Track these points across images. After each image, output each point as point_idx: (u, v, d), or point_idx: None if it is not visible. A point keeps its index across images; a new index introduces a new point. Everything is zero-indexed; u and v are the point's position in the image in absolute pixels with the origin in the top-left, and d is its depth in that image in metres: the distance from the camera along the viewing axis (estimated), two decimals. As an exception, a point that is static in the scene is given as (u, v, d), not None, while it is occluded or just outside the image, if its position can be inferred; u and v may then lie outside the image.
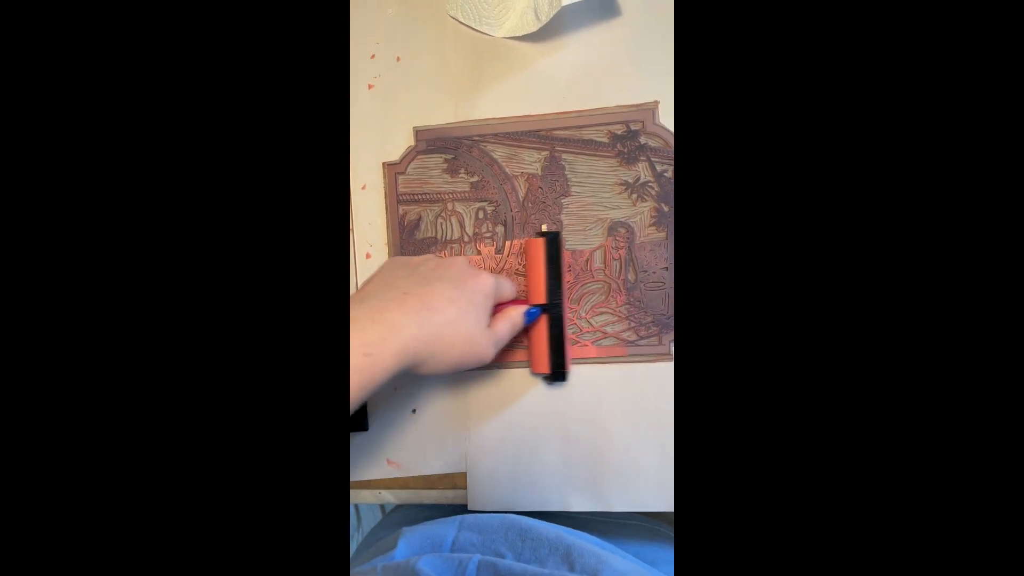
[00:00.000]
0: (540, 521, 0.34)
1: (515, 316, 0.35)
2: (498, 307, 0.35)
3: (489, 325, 0.33)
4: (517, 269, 0.39)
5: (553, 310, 0.37)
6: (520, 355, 0.39)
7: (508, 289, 0.36)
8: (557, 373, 0.37)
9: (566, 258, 0.39)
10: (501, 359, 0.38)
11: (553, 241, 0.37)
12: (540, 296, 0.37)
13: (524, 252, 0.39)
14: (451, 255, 0.40)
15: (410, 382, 0.40)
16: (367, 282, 0.34)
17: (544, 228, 0.39)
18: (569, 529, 0.35)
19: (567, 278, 0.39)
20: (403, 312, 0.30)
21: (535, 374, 0.39)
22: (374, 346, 0.28)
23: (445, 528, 0.34)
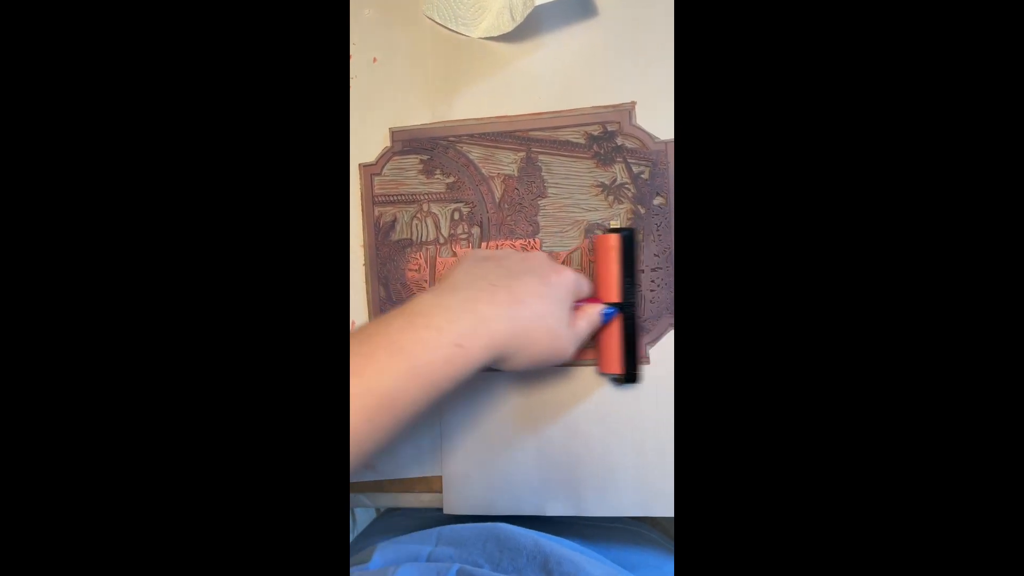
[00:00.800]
0: (519, 528, 0.34)
1: (593, 314, 0.35)
2: (575, 305, 0.35)
3: (569, 323, 0.33)
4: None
5: (627, 310, 0.36)
6: (587, 354, 0.38)
7: (587, 287, 0.36)
8: (631, 375, 0.37)
9: (640, 256, 0.37)
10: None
11: (628, 238, 0.36)
12: (613, 295, 0.36)
13: (594, 248, 0.37)
14: (426, 257, 0.39)
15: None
16: (448, 273, 0.33)
17: (615, 224, 0.37)
18: (548, 536, 0.34)
19: (639, 276, 0.37)
20: (493, 304, 0.30)
21: (604, 374, 0.38)
22: (466, 337, 0.28)
23: (421, 545, 0.34)
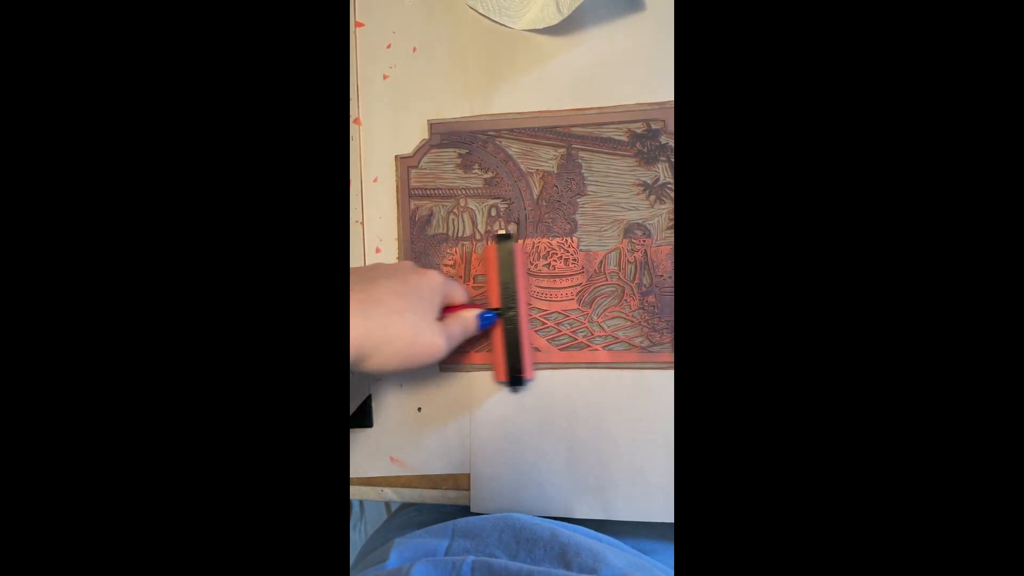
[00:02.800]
0: (535, 518, 0.33)
1: (467, 317, 0.35)
2: (453, 311, 0.35)
3: (436, 321, 0.33)
4: (529, 270, 0.38)
5: (506, 314, 0.36)
6: (475, 358, 0.39)
7: (459, 291, 0.36)
8: (514, 379, 0.37)
9: (519, 261, 0.37)
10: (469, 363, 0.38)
11: (503, 244, 0.36)
12: (492, 300, 0.37)
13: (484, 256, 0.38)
14: (462, 253, 0.39)
15: (415, 380, 0.39)
16: None
17: (502, 231, 0.38)
18: (564, 524, 0.34)
19: (523, 282, 0.37)
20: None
21: (499, 383, 0.38)
22: None
23: (437, 539, 0.33)
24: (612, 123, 0.37)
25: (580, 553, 0.30)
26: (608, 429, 0.37)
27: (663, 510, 0.37)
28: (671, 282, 0.37)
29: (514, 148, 0.38)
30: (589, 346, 0.38)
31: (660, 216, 0.37)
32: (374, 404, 0.40)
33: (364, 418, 0.40)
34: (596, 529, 0.36)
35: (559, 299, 0.38)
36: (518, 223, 0.38)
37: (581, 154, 0.38)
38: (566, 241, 0.38)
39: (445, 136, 0.39)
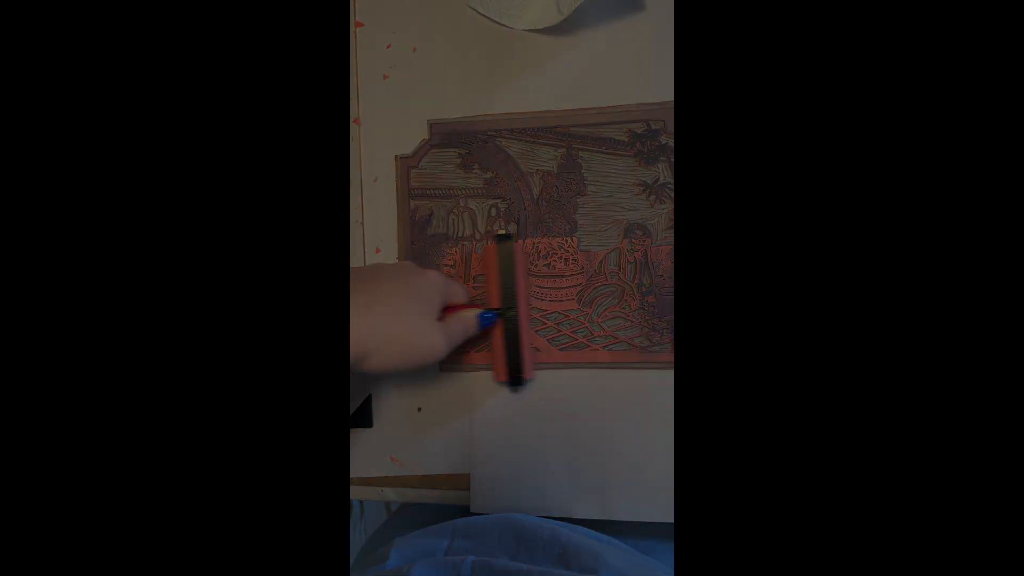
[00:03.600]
0: (535, 518, 0.34)
1: (467, 317, 0.35)
2: (453, 311, 0.35)
3: (437, 321, 0.33)
4: (529, 270, 0.38)
5: (506, 314, 0.36)
6: (475, 359, 0.39)
7: (459, 291, 0.36)
8: (513, 378, 0.37)
9: (519, 261, 0.37)
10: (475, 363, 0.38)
11: (504, 244, 0.36)
12: (492, 300, 0.37)
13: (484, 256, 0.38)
14: (462, 253, 0.39)
15: (415, 380, 0.39)
16: None
17: (502, 231, 0.38)
18: (564, 524, 0.34)
19: (523, 282, 0.38)
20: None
21: (499, 383, 0.38)
22: None
23: (437, 539, 0.33)
24: (612, 123, 0.37)
25: (580, 553, 0.31)
26: (608, 429, 0.37)
27: (663, 510, 0.37)
28: (671, 282, 0.37)
29: (514, 148, 0.38)
30: (589, 346, 0.38)
31: (660, 216, 0.37)
32: (374, 404, 0.40)
33: (364, 418, 0.40)
34: (596, 529, 0.36)
35: (559, 299, 0.38)
36: (518, 223, 0.38)
37: (581, 154, 0.38)
38: (566, 241, 0.38)
39: (445, 136, 0.39)
